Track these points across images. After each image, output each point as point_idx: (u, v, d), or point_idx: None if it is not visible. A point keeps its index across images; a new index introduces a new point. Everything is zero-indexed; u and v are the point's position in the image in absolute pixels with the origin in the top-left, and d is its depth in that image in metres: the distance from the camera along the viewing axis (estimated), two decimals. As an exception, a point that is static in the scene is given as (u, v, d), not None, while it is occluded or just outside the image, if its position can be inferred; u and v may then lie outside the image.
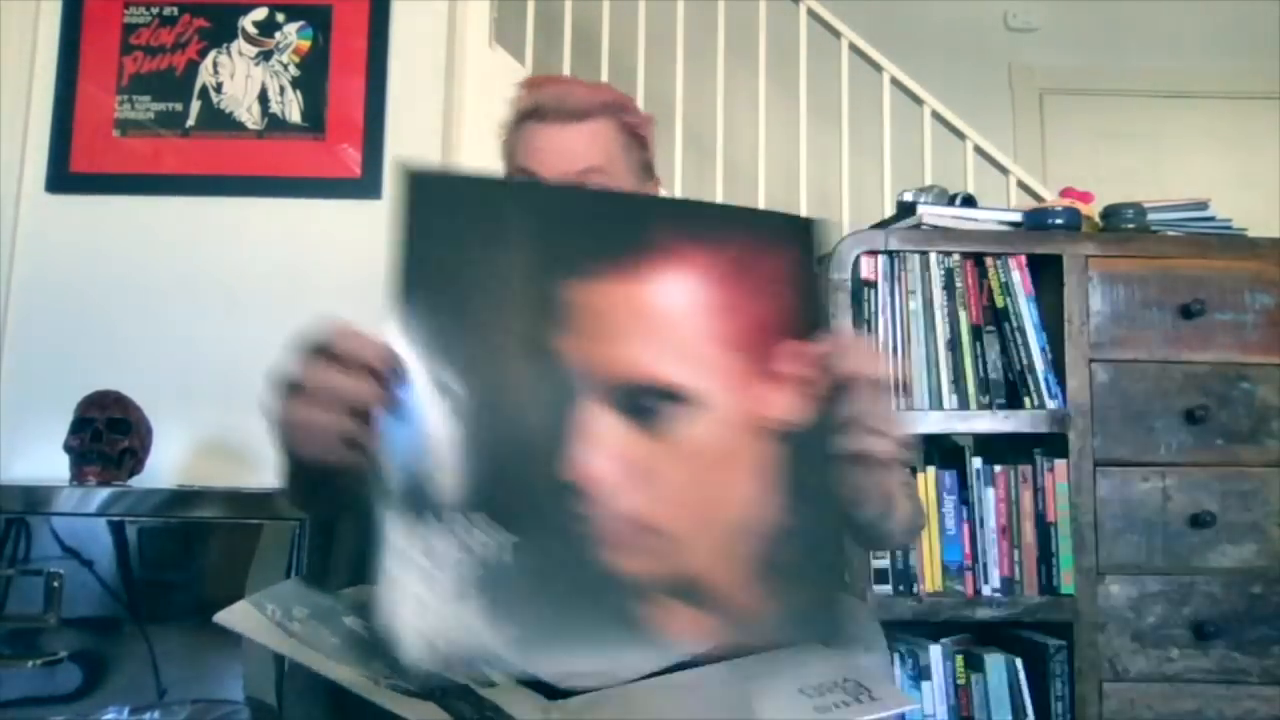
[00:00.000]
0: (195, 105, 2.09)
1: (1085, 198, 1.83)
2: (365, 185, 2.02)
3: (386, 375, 0.61)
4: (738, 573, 0.66)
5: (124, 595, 1.56)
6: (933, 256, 1.68)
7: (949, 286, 1.67)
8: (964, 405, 1.65)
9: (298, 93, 2.10)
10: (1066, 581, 1.59)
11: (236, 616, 0.84)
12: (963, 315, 1.67)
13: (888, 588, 1.60)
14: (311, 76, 2.10)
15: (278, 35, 2.11)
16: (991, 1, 3.38)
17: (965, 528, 1.63)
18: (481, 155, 2.22)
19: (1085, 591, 1.59)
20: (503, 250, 0.64)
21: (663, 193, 1.16)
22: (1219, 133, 3.28)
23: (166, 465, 1.89)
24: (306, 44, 2.11)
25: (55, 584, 1.53)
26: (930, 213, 1.70)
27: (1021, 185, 2.29)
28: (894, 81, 2.29)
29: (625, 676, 0.84)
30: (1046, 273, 1.68)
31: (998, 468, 1.64)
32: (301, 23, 2.12)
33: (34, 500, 1.58)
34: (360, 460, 0.63)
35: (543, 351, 0.64)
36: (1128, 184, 2.08)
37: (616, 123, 1.05)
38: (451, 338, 0.62)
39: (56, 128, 2.06)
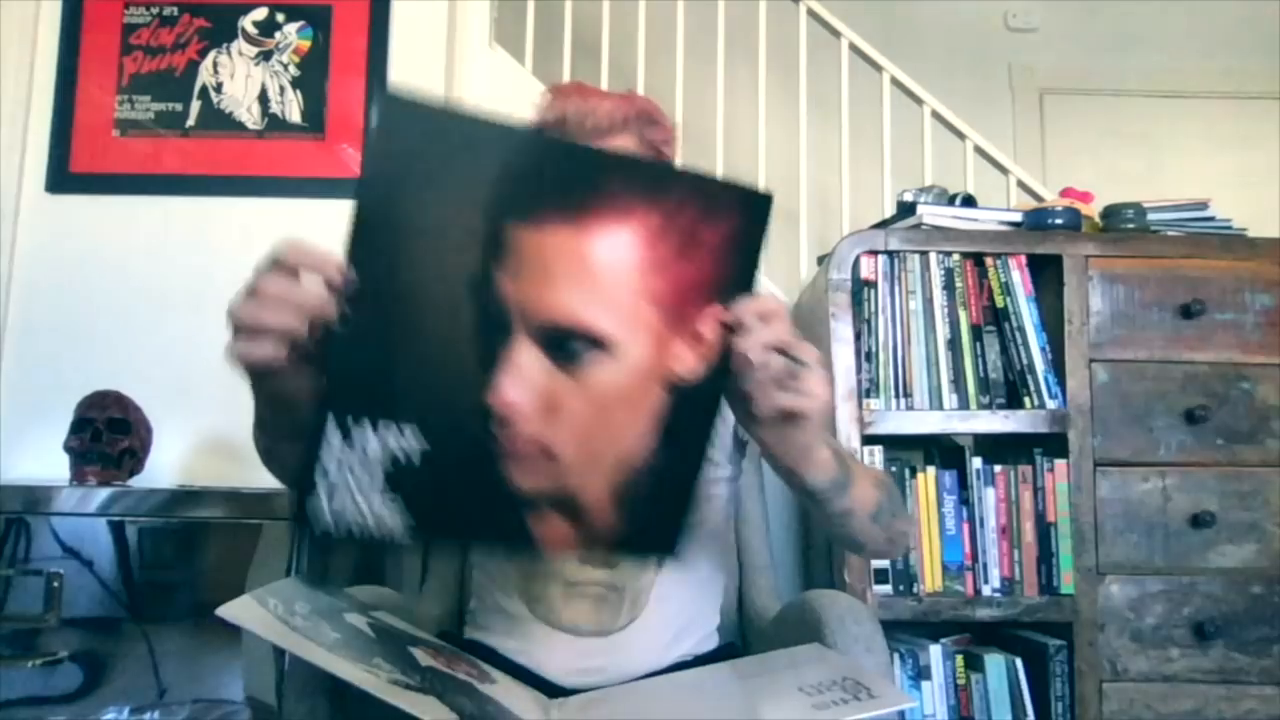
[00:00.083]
0: (195, 105, 2.09)
1: (1085, 198, 1.83)
2: (365, 185, 2.02)
3: (333, 284, 0.67)
4: (606, 496, 0.75)
5: (124, 595, 1.56)
6: (933, 256, 1.68)
7: (949, 286, 1.68)
8: (964, 405, 1.65)
9: (298, 93, 2.10)
10: (1066, 581, 1.59)
11: (239, 610, 0.85)
12: (963, 315, 1.67)
13: (888, 588, 1.60)
14: (311, 76, 2.10)
15: (278, 35, 2.11)
16: (991, 1, 3.38)
17: (965, 528, 1.63)
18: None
19: (1085, 591, 1.59)
20: (459, 184, 0.68)
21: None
22: (1219, 133, 3.28)
23: (166, 465, 1.89)
24: (306, 44, 2.11)
25: (55, 584, 1.53)
26: (930, 213, 1.70)
27: (1021, 185, 2.29)
28: (894, 81, 2.29)
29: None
30: (1046, 273, 1.68)
31: (998, 468, 1.64)
32: (301, 23, 2.12)
33: (34, 500, 1.58)
34: (308, 367, 0.69)
35: (482, 287, 0.69)
36: (1128, 184, 2.08)
37: (638, 139, 1.08)
38: (397, 260, 0.68)
39: (56, 128, 2.06)
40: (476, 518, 0.75)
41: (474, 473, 0.73)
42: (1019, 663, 1.58)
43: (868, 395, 1.64)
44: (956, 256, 1.68)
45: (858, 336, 1.66)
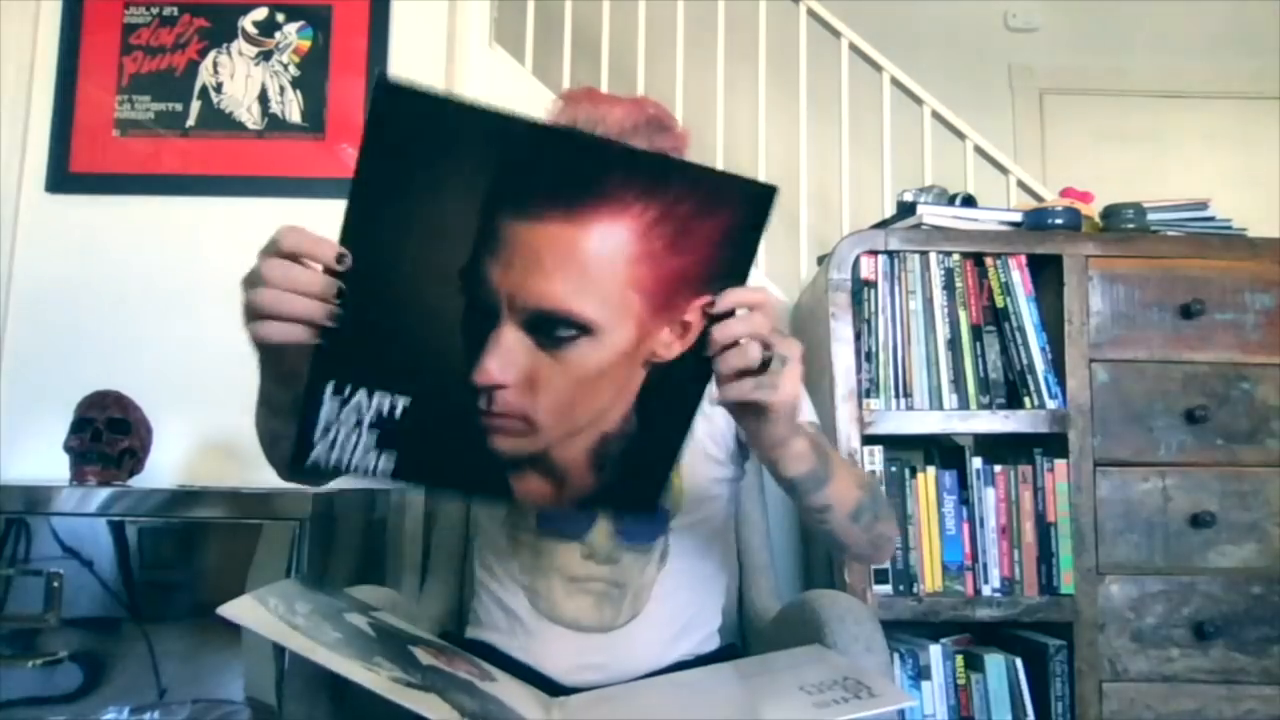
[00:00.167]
0: (195, 105, 2.09)
1: (1085, 198, 1.83)
2: (365, 185, 2.02)
3: (330, 269, 0.71)
4: (584, 461, 0.80)
5: (124, 595, 1.55)
6: (933, 256, 1.68)
7: (949, 286, 1.68)
8: (964, 405, 1.65)
9: (298, 93, 2.10)
10: (1066, 581, 1.59)
11: (240, 610, 0.85)
12: (963, 315, 1.67)
13: (888, 588, 1.60)
14: (311, 76, 2.10)
15: (278, 35, 2.11)
16: (991, 1, 3.38)
17: (965, 528, 1.63)
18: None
19: (1085, 591, 1.59)
20: (454, 174, 0.69)
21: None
22: (1219, 133, 3.28)
23: (167, 465, 1.89)
24: (306, 44, 2.11)
25: (55, 584, 1.52)
26: (930, 213, 1.70)
27: (1021, 185, 2.29)
28: (894, 81, 2.29)
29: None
30: (1046, 273, 1.68)
31: (998, 468, 1.64)
32: (301, 23, 2.12)
33: (34, 500, 1.58)
34: (310, 340, 0.73)
35: (472, 274, 0.72)
36: (1128, 184, 2.07)
37: (647, 145, 1.10)
38: (391, 244, 0.71)
39: (56, 128, 2.06)
40: (459, 470, 0.81)
41: (459, 435, 0.77)
42: (1019, 663, 1.58)
43: (868, 395, 1.64)
44: (956, 256, 1.68)
45: (858, 336, 1.66)
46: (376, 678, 0.79)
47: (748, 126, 2.34)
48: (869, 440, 1.63)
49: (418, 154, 0.68)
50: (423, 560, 1.89)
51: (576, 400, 0.77)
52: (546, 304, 0.73)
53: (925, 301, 1.67)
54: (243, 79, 2.10)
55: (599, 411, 0.78)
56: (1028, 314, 1.65)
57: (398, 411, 0.75)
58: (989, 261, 1.68)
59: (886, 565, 1.60)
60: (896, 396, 1.65)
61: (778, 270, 2.28)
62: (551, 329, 0.74)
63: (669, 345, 0.77)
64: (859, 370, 1.65)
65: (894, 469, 1.63)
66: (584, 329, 0.75)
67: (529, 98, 2.25)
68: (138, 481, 1.74)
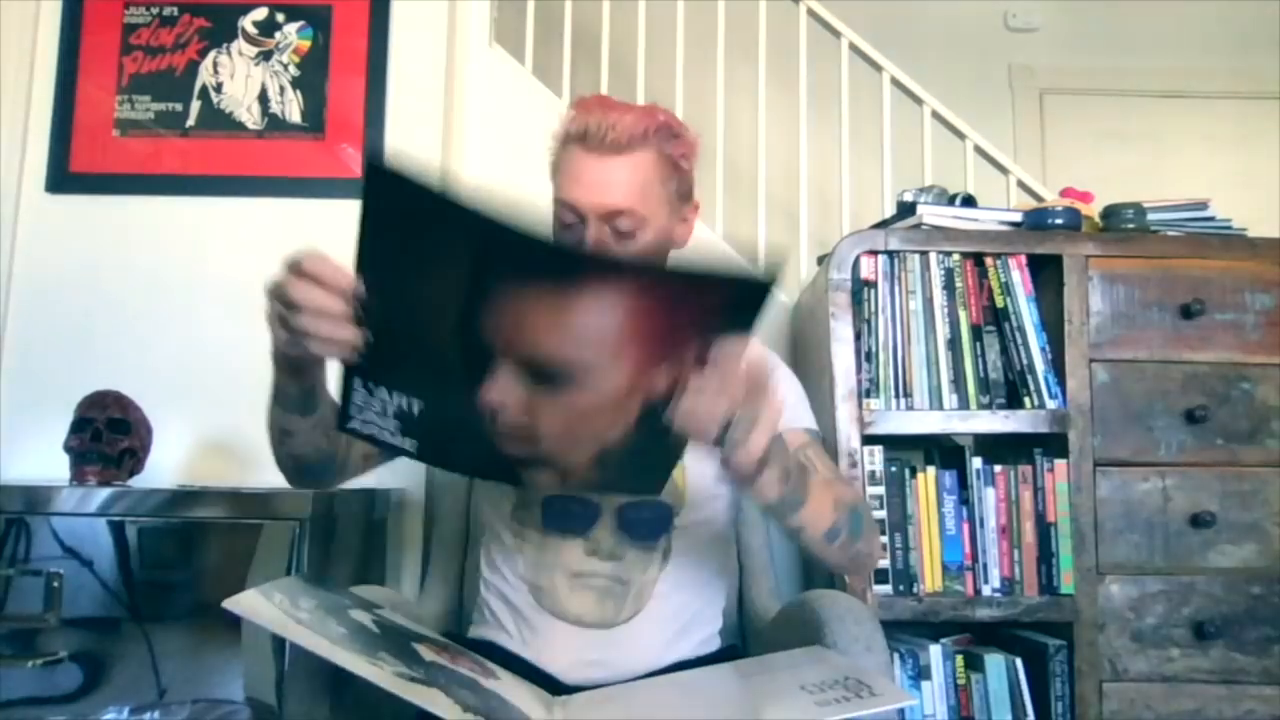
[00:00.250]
0: (195, 105, 2.09)
1: (1085, 198, 1.83)
2: (365, 185, 2.02)
3: (345, 298, 0.78)
4: (585, 461, 0.86)
5: (124, 595, 1.55)
6: (933, 256, 1.68)
7: (949, 286, 1.68)
8: (964, 405, 1.65)
9: (298, 93, 2.09)
10: (1066, 581, 1.59)
11: (245, 604, 0.86)
12: (963, 315, 1.67)
13: (888, 588, 1.60)
14: (311, 76, 2.10)
15: (278, 35, 2.11)
16: (991, 1, 3.38)
17: (965, 528, 1.63)
18: (481, 154, 2.23)
19: (1085, 591, 1.59)
20: (442, 245, 0.73)
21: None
22: (1219, 133, 3.28)
23: (167, 465, 1.89)
24: (306, 44, 2.11)
25: (55, 584, 1.52)
26: (930, 213, 1.70)
27: (1021, 185, 2.29)
28: (894, 81, 2.29)
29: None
30: (1046, 273, 1.68)
31: (998, 468, 1.64)
32: (301, 23, 2.12)
33: (34, 500, 1.58)
34: (339, 356, 0.82)
35: (468, 323, 0.77)
36: (1128, 184, 2.07)
37: (657, 153, 1.10)
38: (398, 283, 0.77)
39: (56, 128, 2.05)
40: (471, 460, 0.90)
41: (469, 435, 0.84)
42: (1019, 663, 1.58)
43: (868, 395, 1.64)
44: (956, 256, 1.68)
45: (858, 336, 1.66)
46: (380, 672, 0.80)
47: (748, 126, 2.34)
48: (869, 440, 1.63)
49: (408, 225, 0.73)
50: (423, 560, 1.90)
51: (574, 425, 0.82)
52: (538, 354, 0.77)
53: (925, 301, 1.67)
54: (243, 79, 2.10)
55: (598, 433, 0.82)
56: (1028, 314, 1.65)
57: (415, 411, 0.83)
58: (989, 261, 1.68)
59: (887, 565, 1.61)
60: (896, 396, 1.65)
61: (778, 270, 2.27)
62: (543, 371, 0.78)
63: (664, 384, 0.78)
64: (859, 370, 1.65)
65: (894, 469, 1.63)
66: (575, 375, 0.78)
67: (529, 98, 2.25)
68: (138, 481, 1.74)
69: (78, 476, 1.69)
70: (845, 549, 1.04)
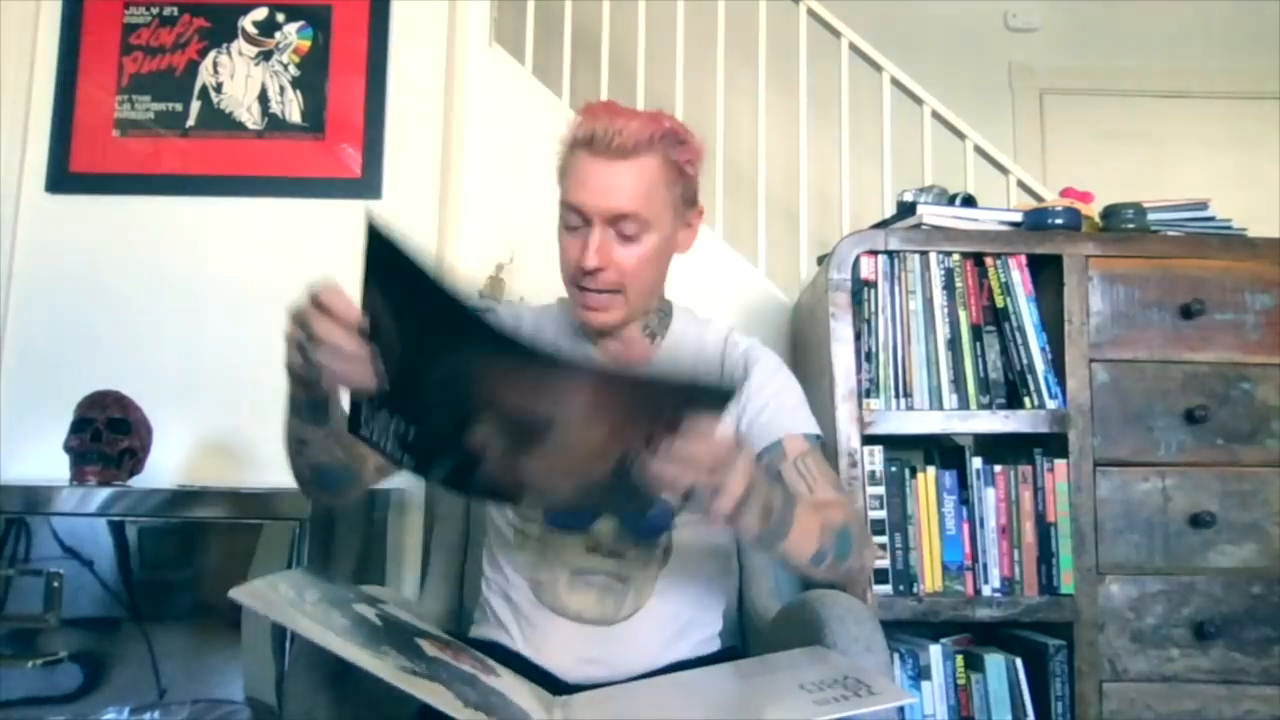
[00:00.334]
0: (195, 105, 2.09)
1: (1085, 198, 1.83)
2: (365, 185, 2.02)
3: (352, 332, 0.83)
4: (567, 491, 0.90)
5: (124, 595, 1.56)
6: (933, 256, 1.68)
7: (949, 286, 1.68)
8: (964, 405, 1.65)
9: (298, 93, 2.10)
10: (1066, 581, 1.59)
11: (251, 594, 0.86)
12: (963, 315, 1.67)
13: (888, 588, 1.60)
14: (311, 76, 2.10)
15: (278, 35, 2.11)
16: (991, 1, 3.38)
17: (965, 528, 1.63)
18: (482, 154, 2.23)
19: (1085, 591, 1.59)
20: (430, 304, 0.78)
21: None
22: (1219, 133, 3.27)
23: (167, 465, 1.89)
24: (306, 44, 2.11)
25: (55, 584, 1.53)
26: (930, 213, 1.70)
27: (1021, 185, 2.29)
28: (894, 81, 2.29)
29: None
30: (1046, 273, 1.68)
31: (998, 468, 1.64)
32: (301, 23, 2.12)
33: (34, 500, 1.58)
34: (340, 382, 0.87)
35: (457, 378, 0.81)
36: (1128, 184, 2.07)
37: (662, 159, 1.12)
38: (396, 323, 0.82)
39: (56, 128, 2.06)
40: (468, 486, 0.92)
41: (456, 465, 0.88)
42: (1019, 663, 1.59)
43: (868, 395, 1.64)
44: (956, 256, 1.68)
45: (858, 336, 1.66)
46: (383, 664, 0.80)
47: (748, 127, 2.34)
48: (869, 440, 1.63)
49: (400, 281, 0.78)
50: (423, 560, 1.90)
51: (555, 467, 0.85)
52: (514, 414, 0.81)
53: (925, 301, 1.67)
54: (243, 79, 2.10)
55: (578, 473, 0.85)
56: (1028, 314, 1.65)
57: (409, 435, 0.87)
58: (989, 261, 1.68)
59: (886, 565, 1.61)
60: (896, 396, 1.65)
61: (778, 270, 2.28)
62: (523, 424, 0.81)
63: (638, 438, 0.81)
64: (859, 370, 1.65)
65: (894, 469, 1.63)
66: (551, 431, 0.81)
67: (529, 98, 2.25)
68: (138, 481, 1.74)
69: (78, 477, 1.69)
70: (833, 569, 1.05)
